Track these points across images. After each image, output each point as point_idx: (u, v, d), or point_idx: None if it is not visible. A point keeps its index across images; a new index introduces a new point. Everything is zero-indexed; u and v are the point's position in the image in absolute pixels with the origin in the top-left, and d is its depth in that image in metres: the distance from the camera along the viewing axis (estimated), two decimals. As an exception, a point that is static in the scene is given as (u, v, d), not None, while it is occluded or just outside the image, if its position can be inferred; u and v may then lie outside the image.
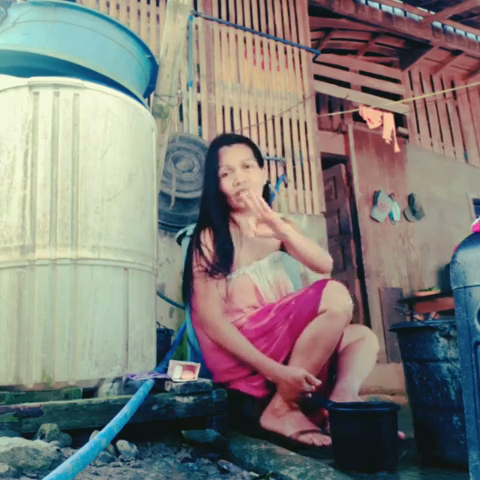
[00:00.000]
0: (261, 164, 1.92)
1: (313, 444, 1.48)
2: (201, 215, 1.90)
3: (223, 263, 1.73)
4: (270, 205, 1.97)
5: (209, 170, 1.87)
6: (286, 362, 1.63)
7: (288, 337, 1.63)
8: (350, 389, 1.66)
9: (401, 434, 1.51)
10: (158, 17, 4.06)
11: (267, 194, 1.97)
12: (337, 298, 1.59)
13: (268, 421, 1.60)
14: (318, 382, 1.55)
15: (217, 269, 1.72)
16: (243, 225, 1.87)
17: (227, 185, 1.83)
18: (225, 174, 1.83)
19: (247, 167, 1.84)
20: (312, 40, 5.22)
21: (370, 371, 1.78)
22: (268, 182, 2.00)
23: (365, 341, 1.80)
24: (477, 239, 0.94)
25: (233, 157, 1.84)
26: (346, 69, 5.85)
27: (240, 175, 1.82)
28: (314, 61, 4.97)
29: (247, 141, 1.92)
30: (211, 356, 1.76)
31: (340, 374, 1.73)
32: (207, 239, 1.77)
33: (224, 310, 1.73)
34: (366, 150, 5.64)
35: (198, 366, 1.49)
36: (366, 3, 5.44)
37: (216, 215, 1.83)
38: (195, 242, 1.79)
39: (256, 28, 4.59)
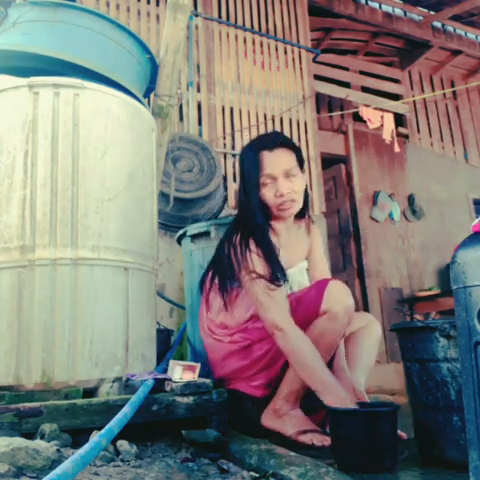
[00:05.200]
0: (303, 168, 1.79)
1: (313, 444, 1.48)
2: (240, 220, 1.76)
3: (280, 271, 1.63)
4: (306, 207, 1.86)
5: (249, 175, 1.71)
6: (287, 363, 1.63)
7: None
8: (359, 387, 1.66)
9: (403, 435, 1.51)
10: (158, 17, 4.06)
11: (306, 199, 1.84)
12: (339, 298, 1.57)
13: (269, 420, 1.61)
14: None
15: (277, 277, 1.61)
16: (280, 231, 1.79)
17: (268, 196, 1.69)
18: (266, 184, 1.69)
19: (290, 176, 1.69)
20: (312, 40, 5.22)
21: (374, 361, 1.78)
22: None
23: (367, 329, 1.77)
24: (477, 239, 0.94)
25: (275, 165, 1.68)
26: (346, 69, 5.85)
27: (283, 186, 1.68)
28: (314, 61, 4.97)
29: (289, 145, 1.76)
30: (214, 357, 1.75)
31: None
32: (257, 250, 1.65)
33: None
34: (366, 150, 5.64)
35: (198, 366, 1.49)
36: (366, 3, 5.44)
37: (260, 224, 1.70)
38: (246, 250, 1.65)
39: (256, 28, 4.59)
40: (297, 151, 1.75)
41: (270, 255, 1.64)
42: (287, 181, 1.69)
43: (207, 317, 1.79)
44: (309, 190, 4.45)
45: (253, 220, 1.70)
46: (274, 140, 1.73)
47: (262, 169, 1.67)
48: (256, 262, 1.61)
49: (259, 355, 1.66)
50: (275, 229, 1.76)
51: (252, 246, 1.63)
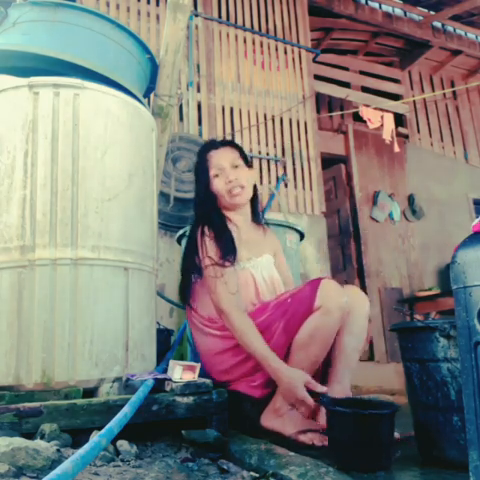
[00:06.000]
0: (248, 165, 1.98)
1: (313, 444, 1.48)
2: (198, 216, 1.94)
3: (230, 252, 1.76)
4: (257, 206, 2.03)
5: (199, 174, 1.94)
6: (285, 359, 1.63)
7: (284, 334, 1.64)
8: (343, 389, 1.66)
9: (396, 435, 1.52)
10: (158, 17, 4.06)
11: (256, 194, 2.01)
12: (331, 295, 1.61)
13: (268, 420, 1.61)
14: (322, 388, 1.52)
15: (226, 258, 1.74)
16: (238, 223, 1.91)
17: (220, 185, 1.88)
18: (216, 175, 1.89)
19: (236, 167, 1.91)
20: (312, 40, 5.22)
21: (361, 350, 1.73)
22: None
23: (352, 316, 1.69)
24: (477, 239, 0.94)
25: (222, 158, 1.91)
26: (346, 69, 5.85)
27: (231, 173, 1.88)
28: (314, 61, 4.97)
29: (232, 144, 2.02)
30: (208, 358, 1.77)
31: (331, 368, 1.69)
32: (209, 233, 1.80)
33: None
34: (366, 150, 5.64)
35: (198, 366, 1.49)
36: (366, 3, 5.44)
37: (214, 214, 1.87)
38: (199, 237, 1.81)
39: (256, 28, 4.59)
40: (240, 149, 2.00)
41: (221, 235, 1.78)
42: (234, 170, 1.90)
43: (196, 314, 1.82)
44: (309, 190, 4.46)
45: (208, 212, 1.87)
46: (219, 142, 2.03)
47: (211, 163, 1.91)
48: (209, 245, 1.77)
49: None
50: (232, 219, 1.91)
51: (206, 230, 1.80)
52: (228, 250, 1.75)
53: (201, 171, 1.92)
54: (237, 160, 1.92)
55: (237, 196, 1.88)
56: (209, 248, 1.76)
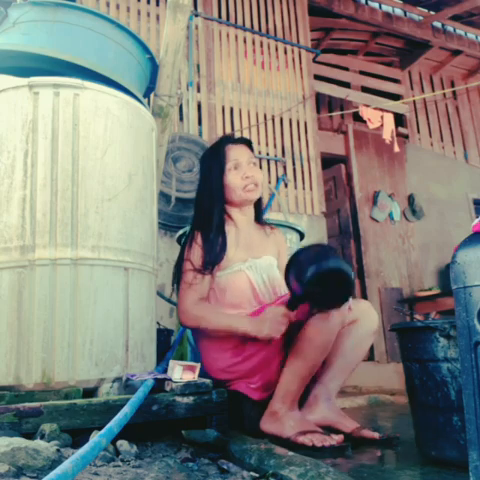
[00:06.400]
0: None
1: (313, 445, 1.48)
2: (197, 212, 1.92)
3: (213, 261, 1.76)
4: (261, 207, 2.04)
5: (213, 166, 1.90)
6: (283, 363, 1.63)
7: (282, 337, 1.64)
8: (324, 396, 1.67)
9: (376, 435, 1.57)
10: (158, 17, 4.06)
11: (260, 198, 2.02)
12: None
13: (267, 424, 1.60)
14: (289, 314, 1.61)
15: (207, 266, 1.75)
16: (240, 223, 1.90)
17: (235, 178, 1.87)
18: (233, 168, 1.89)
19: (253, 164, 1.93)
20: (312, 40, 5.22)
21: (361, 358, 1.74)
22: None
23: (357, 324, 1.72)
24: (477, 239, 0.94)
25: (240, 154, 1.91)
26: (346, 69, 5.85)
27: (248, 169, 1.89)
28: (314, 61, 4.97)
29: (248, 143, 2.02)
30: (208, 356, 1.77)
31: (320, 371, 1.70)
32: (200, 238, 1.80)
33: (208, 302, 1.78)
34: (366, 150, 5.64)
35: (198, 366, 1.49)
36: (366, 3, 5.44)
37: (214, 212, 1.85)
38: (189, 242, 1.82)
39: (256, 28, 4.59)
40: (253, 149, 2.00)
41: (211, 242, 1.78)
42: (251, 168, 1.91)
43: None
44: (309, 190, 4.46)
45: (209, 209, 1.86)
46: (236, 138, 2.02)
47: (228, 157, 1.89)
48: (193, 251, 1.79)
49: (252, 352, 1.67)
50: (234, 218, 1.91)
51: (196, 235, 1.81)
52: (211, 259, 1.75)
53: (216, 163, 1.90)
54: (253, 159, 1.94)
55: (251, 191, 1.88)
56: (192, 253, 1.77)
